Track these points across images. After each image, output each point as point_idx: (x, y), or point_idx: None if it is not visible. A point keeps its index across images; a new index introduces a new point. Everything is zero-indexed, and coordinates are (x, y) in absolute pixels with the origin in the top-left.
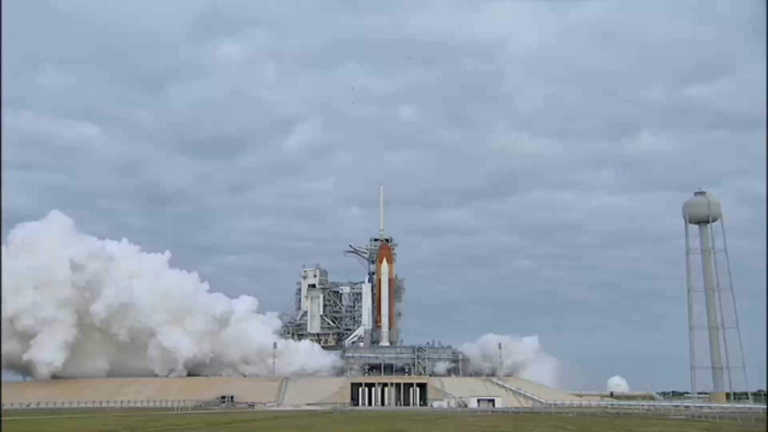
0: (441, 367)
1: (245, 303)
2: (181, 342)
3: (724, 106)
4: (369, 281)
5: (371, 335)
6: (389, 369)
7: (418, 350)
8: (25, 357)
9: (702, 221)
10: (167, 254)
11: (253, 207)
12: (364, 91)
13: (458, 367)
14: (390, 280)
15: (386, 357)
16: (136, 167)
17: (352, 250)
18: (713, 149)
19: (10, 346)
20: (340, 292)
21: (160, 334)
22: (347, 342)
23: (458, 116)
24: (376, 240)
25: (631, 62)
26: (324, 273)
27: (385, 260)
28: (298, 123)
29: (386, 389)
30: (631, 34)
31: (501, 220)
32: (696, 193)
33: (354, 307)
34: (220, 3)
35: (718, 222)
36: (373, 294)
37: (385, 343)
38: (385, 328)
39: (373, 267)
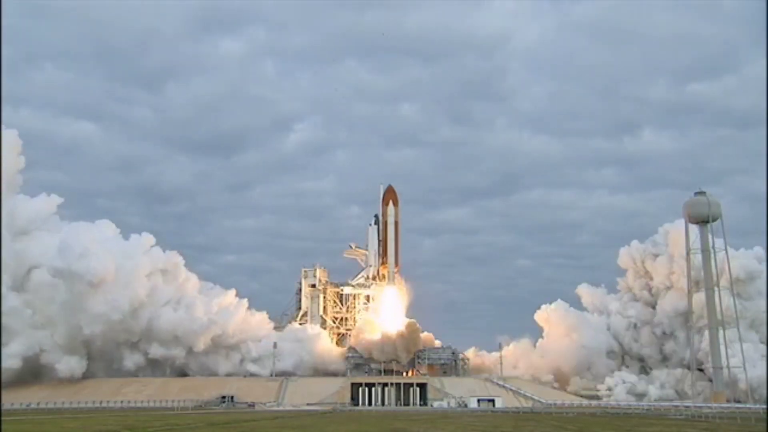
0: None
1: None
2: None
3: (727, 103)
4: (375, 223)
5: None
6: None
7: (418, 350)
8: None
9: (702, 221)
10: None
11: (253, 206)
12: (364, 88)
13: (458, 366)
14: (396, 222)
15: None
16: (135, 166)
17: (352, 249)
18: (715, 147)
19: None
20: (341, 291)
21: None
22: (353, 283)
23: (459, 114)
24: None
25: (633, 59)
26: (324, 272)
27: (390, 203)
28: (298, 121)
29: (386, 389)
30: (633, 31)
31: (501, 219)
32: (696, 193)
33: (354, 305)
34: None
35: (718, 221)
36: (379, 237)
37: (390, 282)
38: (391, 267)
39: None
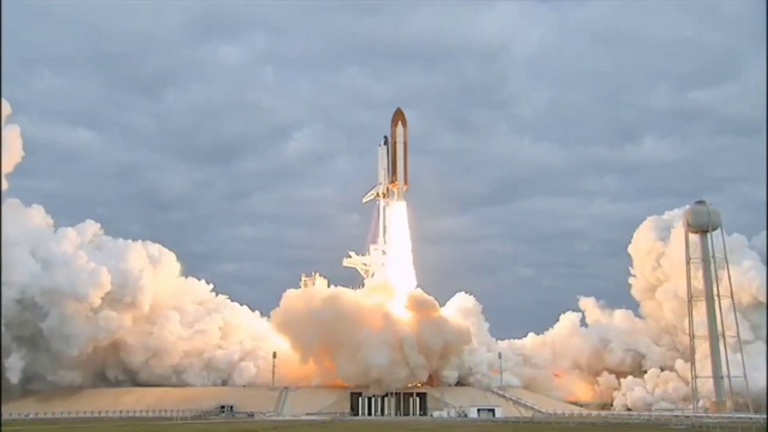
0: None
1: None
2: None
3: (728, 111)
4: (384, 144)
5: None
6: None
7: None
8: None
9: (702, 230)
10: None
11: (252, 214)
12: (364, 95)
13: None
14: (405, 143)
15: None
16: (134, 173)
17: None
18: (717, 155)
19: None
20: None
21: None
22: (363, 200)
23: (459, 121)
24: (375, 249)
25: (633, 66)
26: (324, 281)
27: (399, 123)
28: (298, 128)
29: (386, 399)
30: (634, 38)
31: (502, 228)
32: (696, 202)
33: None
34: (217, 5)
35: (718, 230)
36: (388, 156)
37: (399, 200)
38: (400, 184)
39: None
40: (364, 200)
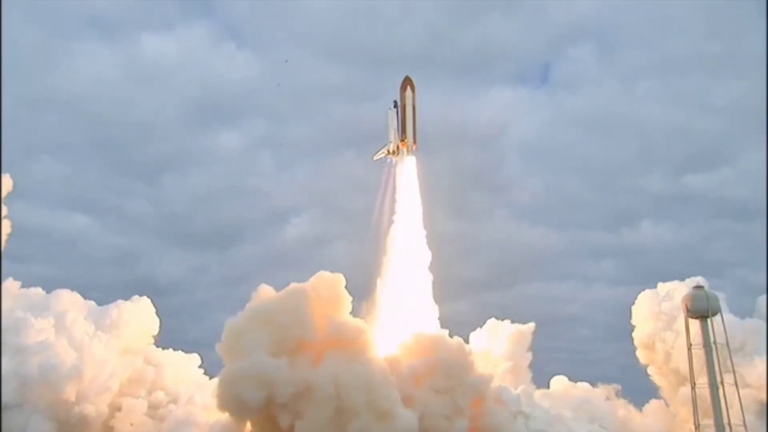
0: None
1: None
2: None
3: (724, 194)
4: (394, 107)
5: None
6: None
7: None
8: None
9: (702, 315)
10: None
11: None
12: (361, 180)
13: None
14: (413, 105)
15: None
16: (130, 258)
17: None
18: (714, 239)
19: None
20: None
21: None
22: (375, 158)
23: (456, 206)
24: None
25: (629, 151)
26: None
27: (408, 88)
28: (296, 214)
29: None
30: (628, 124)
31: (500, 313)
32: (694, 288)
33: None
34: (217, 92)
35: (718, 316)
36: (398, 118)
37: (409, 155)
38: (410, 142)
39: None
40: (375, 158)
